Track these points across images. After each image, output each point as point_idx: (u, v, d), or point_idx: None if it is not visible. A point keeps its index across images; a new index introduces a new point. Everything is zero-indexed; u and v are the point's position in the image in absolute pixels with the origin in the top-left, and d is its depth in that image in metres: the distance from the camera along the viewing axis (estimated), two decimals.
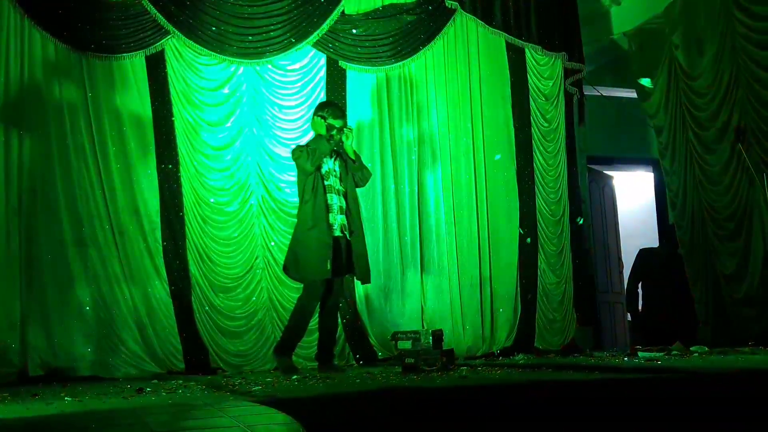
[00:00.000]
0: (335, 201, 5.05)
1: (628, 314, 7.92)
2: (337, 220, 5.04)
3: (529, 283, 6.72)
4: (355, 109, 6.34)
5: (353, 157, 5.16)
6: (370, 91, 6.43)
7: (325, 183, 5.04)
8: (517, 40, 6.87)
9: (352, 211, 5.13)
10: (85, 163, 5.56)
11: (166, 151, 5.80)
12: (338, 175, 5.15)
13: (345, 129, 5.11)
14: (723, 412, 3.07)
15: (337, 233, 5.02)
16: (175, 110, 5.86)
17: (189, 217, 5.81)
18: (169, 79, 5.87)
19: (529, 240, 6.71)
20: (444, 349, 4.75)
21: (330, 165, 5.13)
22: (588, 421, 2.89)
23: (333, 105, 5.45)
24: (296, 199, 5.27)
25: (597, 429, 2.83)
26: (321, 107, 5.29)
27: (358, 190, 5.30)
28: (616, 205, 8.83)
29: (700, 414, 3.02)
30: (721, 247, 6.68)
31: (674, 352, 5.52)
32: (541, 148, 6.92)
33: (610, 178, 8.88)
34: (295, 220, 5.24)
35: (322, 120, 5.14)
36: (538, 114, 6.95)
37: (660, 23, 7.20)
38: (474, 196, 6.60)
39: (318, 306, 5.09)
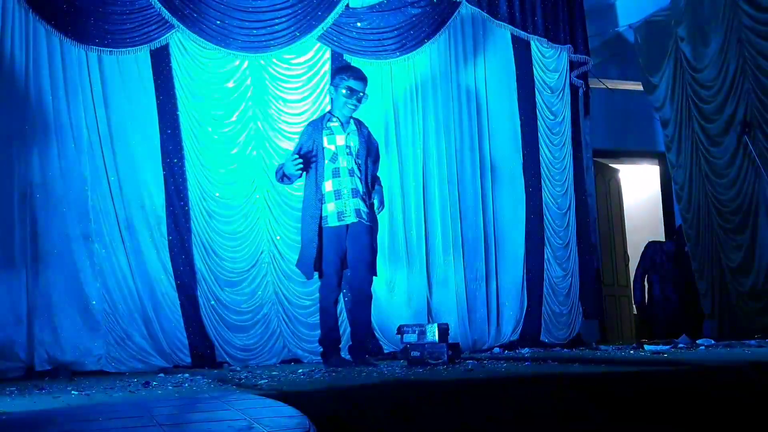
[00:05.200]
0: (347, 184, 4.73)
1: (635, 307, 7.93)
2: (349, 205, 4.74)
3: (535, 277, 6.71)
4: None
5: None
6: (375, 84, 6.41)
7: (334, 167, 4.73)
8: (522, 32, 6.85)
9: (367, 189, 4.81)
10: (90, 157, 5.57)
11: (171, 146, 5.79)
12: (352, 151, 4.81)
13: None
14: (729, 404, 3.06)
15: (352, 219, 4.73)
16: (179, 104, 5.86)
17: (194, 211, 5.81)
18: (174, 73, 5.86)
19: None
20: (450, 342, 4.74)
21: (343, 141, 4.78)
22: (594, 414, 2.89)
23: (353, 68, 5.23)
24: (302, 193, 5.06)
25: (603, 422, 2.82)
26: (340, 70, 5.08)
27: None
28: (622, 199, 8.83)
29: (707, 407, 3.02)
30: (726, 240, 6.67)
31: (680, 345, 5.51)
32: (547, 140, 6.90)
33: (615, 171, 8.87)
34: (301, 214, 5.05)
35: (343, 81, 4.87)
36: (544, 107, 6.93)
37: (665, 15, 7.17)
38: (479, 189, 6.60)
39: (337, 298, 4.88)
